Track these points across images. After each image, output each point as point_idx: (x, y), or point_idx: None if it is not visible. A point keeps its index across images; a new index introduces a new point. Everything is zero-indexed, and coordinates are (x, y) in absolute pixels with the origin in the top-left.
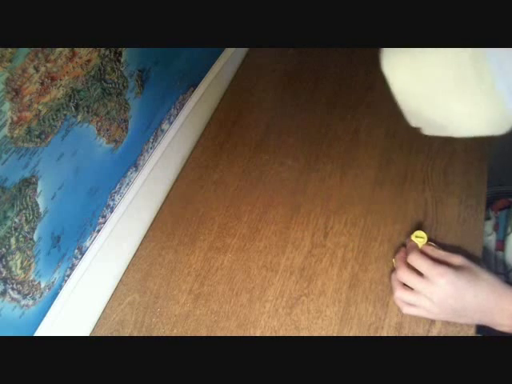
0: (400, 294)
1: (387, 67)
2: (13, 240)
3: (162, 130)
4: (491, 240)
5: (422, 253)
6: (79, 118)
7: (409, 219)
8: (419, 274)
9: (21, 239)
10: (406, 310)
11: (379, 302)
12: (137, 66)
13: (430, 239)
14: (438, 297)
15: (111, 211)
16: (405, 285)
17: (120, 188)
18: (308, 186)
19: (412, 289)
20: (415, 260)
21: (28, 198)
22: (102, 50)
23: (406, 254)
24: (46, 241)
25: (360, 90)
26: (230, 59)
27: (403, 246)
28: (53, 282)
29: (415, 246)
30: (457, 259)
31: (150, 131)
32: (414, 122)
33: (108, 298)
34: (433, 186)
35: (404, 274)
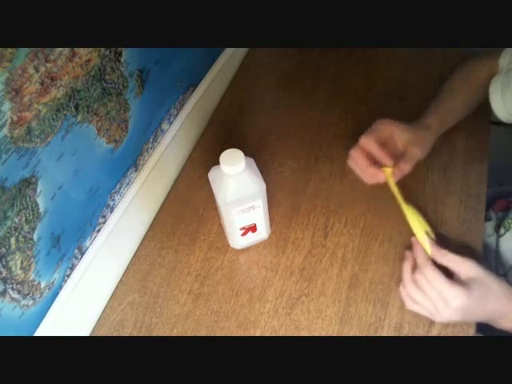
0: (411, 291)
1: None
2: (13, 240)
3: (162, 130)
4: (492, 241)
5: (434, 262)
6: (79, 117)
7: None
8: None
9: (21, 239)
10: (410, 306)
11: (379, 302)
12: (137, 65)
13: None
14: (446, 314)
15: (111, 211)
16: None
17: (120, 188)
18: (308, 186)
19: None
20: (429, 275)
21: (28, 198)
22: (102, 49)
23: (415, 262)
24: (45, 241)
25: (360, 90)
26: (229, 59)
27: (408, 251)
28: (53, 282)
29: (425, 256)
30: (467, 270)
31: (150, 131)
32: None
33: (108, 298)
34: (433, 186)
35: (413, 293)
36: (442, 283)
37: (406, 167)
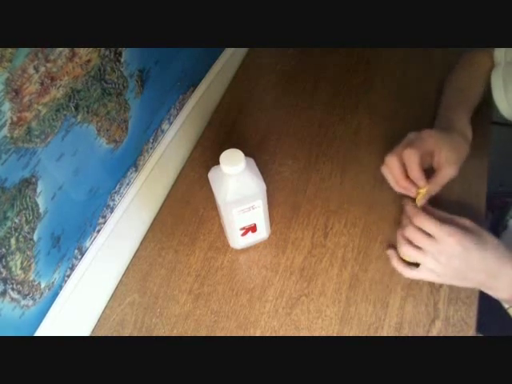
0: (406, 251)
1: None
2: (13, 240)
3: (162, 130)
4: None
5: (429, 213)
6: (79, 118)
7: None
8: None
9: (21, 239)
10: (408, 273)
11: (379, 302)
12: (137, 65)
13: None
14: (445, 256)
15: (111, 211)
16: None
17: (120, 188)
18: (308, 185)
19: (418, 248)
20: (422, 222)
21: (28, 199)
22: (102, 49)
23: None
24: (45, 241)
25: (360, 90)
26: (229, 59)
27: (409, 200)
28: (53, 283)
29: (418, 208)
30: (465, 222)
31: (150, 131)
32: None
33: (108, 298)
34: None
35: (412, 232)
36: (437, 224)
37: (434, 188)
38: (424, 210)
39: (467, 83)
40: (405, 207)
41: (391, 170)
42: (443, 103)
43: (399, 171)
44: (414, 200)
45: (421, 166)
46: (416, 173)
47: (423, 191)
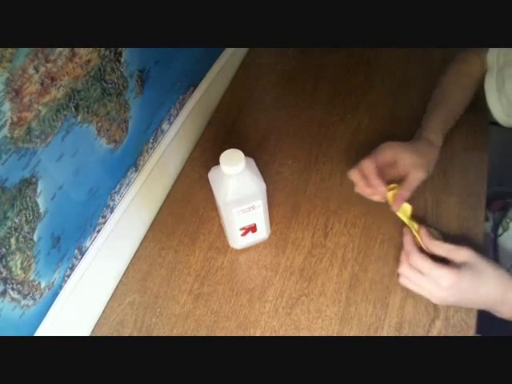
0: (403, 283)
1: None
2: (13, 240)
3: (162, 130)
4: (490, 241)
5: (423, 251)
6: (79, 118)
7: None
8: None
9: (21, 239)
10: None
11: (379, 302)
12: (137, 66)
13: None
14: (440, 294)
15: (111, 211)
16: None
17: (120, 188)
18: (308, 185)
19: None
20: (416, 261)
21: (28, 199)
22: (102, 50)
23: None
24: (46, 241)
25: (360, 90)
26: (229, 59)
27: (407, 231)
28: (53, 283)
29: (414, 244)
30: (462, 255)
31: (150, 131)
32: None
33: (108, 298)
34: (433, 186)
35: (406, 272)
36: (430, 267)
37: (405, 194)
38: (423, 242)
39: (452, 86)
40: (403, 239)
41: (356, 183)
42: (427, 107)
43: (362, 183)
44: (411, 226)
45: (378, 175)
46: (374, 181)
47: (390, 195)
